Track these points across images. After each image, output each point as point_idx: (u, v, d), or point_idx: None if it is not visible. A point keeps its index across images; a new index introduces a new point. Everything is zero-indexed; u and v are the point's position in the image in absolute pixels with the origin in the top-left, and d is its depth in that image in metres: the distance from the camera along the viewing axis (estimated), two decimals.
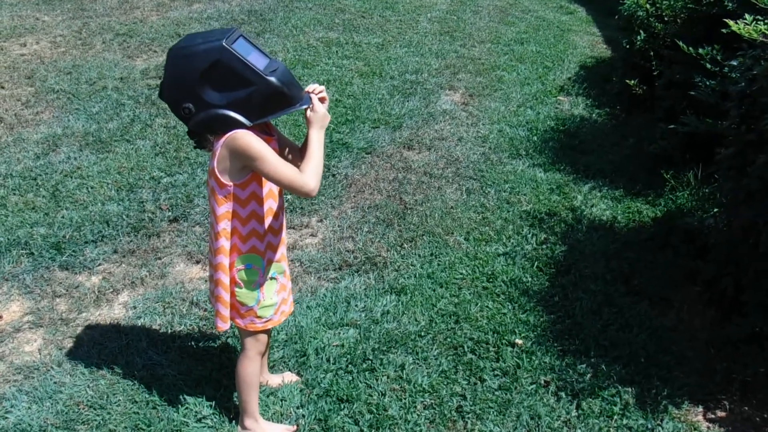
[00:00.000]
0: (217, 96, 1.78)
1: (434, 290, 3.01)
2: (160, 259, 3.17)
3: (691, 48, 3.18)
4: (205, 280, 3.04)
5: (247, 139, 1.79)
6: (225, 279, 1.97)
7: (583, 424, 2.35)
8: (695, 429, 2.37)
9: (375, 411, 2.36)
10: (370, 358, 2.60)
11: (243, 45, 1.81)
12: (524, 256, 3.26)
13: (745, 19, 2.39)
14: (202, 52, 1.75)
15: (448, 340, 2.72)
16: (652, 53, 4.50)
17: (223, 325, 2.03)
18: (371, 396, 2.42)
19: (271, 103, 1.81)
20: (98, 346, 2.62)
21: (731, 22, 2.38)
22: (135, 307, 2.85)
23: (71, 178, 3.77)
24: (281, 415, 2.34)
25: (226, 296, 1.99)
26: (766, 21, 2.38)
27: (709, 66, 3.08)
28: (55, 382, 2.43)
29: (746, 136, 2.45)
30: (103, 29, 6.24)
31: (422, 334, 2.75)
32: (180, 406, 2.33)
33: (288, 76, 1.84)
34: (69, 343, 2.65)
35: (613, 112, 4.96)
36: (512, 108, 4.96)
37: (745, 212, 2.49)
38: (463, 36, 6.52)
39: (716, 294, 2.91)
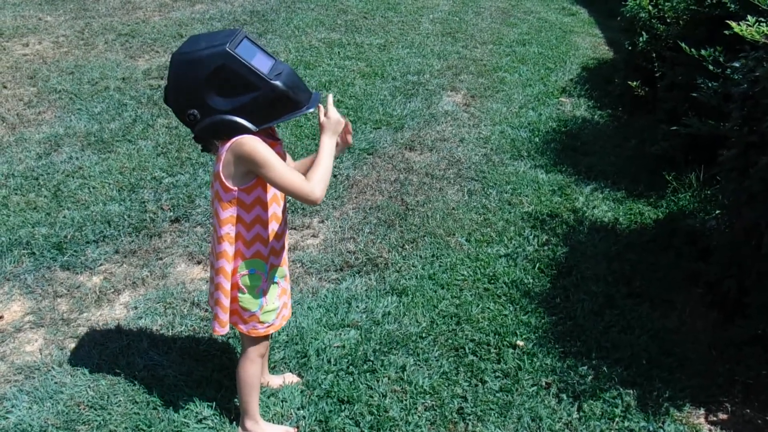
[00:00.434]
0: (222, 101, 1.77)
1: (435, 291, 3.00)
2: (161, 259, 3.17)
3: (693, 50, 3.18)
4: (206, 281, 3.04)
5: (253, 144, 1.78)
6: (225, 284, 1.96)
7: (584, 426, 2.35)
8: (697, 431, 2.36)
9: (376, 412, 2.36)
10: (371, 359, 2.59)
11: (247, 47, 1.79)
12: (526, 257, 3.26)
13: (748, 20, 2.38)
14: (205, 57, 1.73)
15: (450, 341, 2.72)
16: (654, 55, 4.49)
17: (221, 330, 2.02)
18: (372, 397, 2.42)
19: (276, 107, 1.80)
20: (99, 347, 2.62)
21: (733, 24, 2.37)
22: (136, 308, 2.85)
23: (73, 178, 3.77)
24: (282, 416, 2.33)
25: (225, 301, 1.98)
26: None
27: (711, 68, 3.07)
28: (55, 383, 2.43)
29: (748, 138, 2.44)
30: (105, 29, 6.25)
31: (423, 335, 2.74)
32: (181, 407, 2.33)
33: (293, 79, 1.82)
34: (70, 343, 2.64)
35: (615, 114, 4.95)
36: (514, 109, 4.95)
37: (747, 214, 2.48)
38: (465, 37, 6.52)
39: (718, 296, 2.90)
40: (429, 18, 7.07)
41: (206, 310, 2.84)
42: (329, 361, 2.57)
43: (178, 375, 2.47)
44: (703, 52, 3.11)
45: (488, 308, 2.91)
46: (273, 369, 2.53)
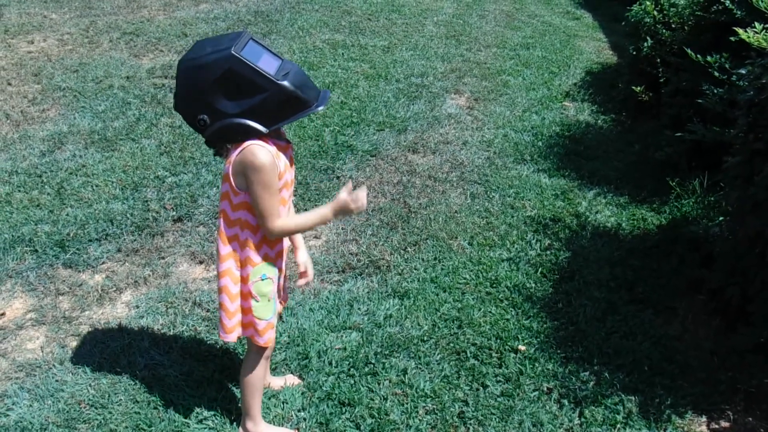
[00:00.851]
0: (231, 105, 1.76)
1: (437, 295, 3.00)
2: (163, 258, 3.16)
3: (699, 56, 3.17)
4: (208, 281, 3.04)
5: (264, 160, 1.78)
6: (232, 287, 1.95)
7: None
8: None
9: (377, 415, 2.35)
10: (373, 361, 2.59)
11: (253, 49, 1.78)
12: (528, 261, 3.25)
13: (755, 27, 2.37)
14: (211, 62, 1.73)
15: (451, 345, 2.71)
16: (658, 60, 4.49)
17: (226, 337, 2.01)
18: (373, 400, 2.41)
19: (285, 107, 1.79)
20: (100, 345, 2.62)
21: (740, 31, 2.37)
22: (138, 307, 2.85)
23: (76, 176, 3.77)
24: (283, 418, 2.33)
25: (229, 305, 1.97)
26: None
27: (717, 74, 3.07)
28: (56, 380, 2.43)
29: (754, 145, 2.44)
30: (110, 28, 6.25)
31: (425, 338, 2.74)
32: (181, 406, 2.33)
33: (301, 77, 1.82)
34: (71, 341, 2.64)
35: (619, 119, 4.95)
36: (517, 113, 4.95)
37: (751, 222, 2.48)
38: (469, 40, 6.52)
39: (721, 303, 2.89)
40: (433, 20, 7.07)
41: (208, 310, 2.83)
42: (330, 363, 2.57)
43: (179, 375, 2.47)
44: (709, 58, 3.11)
45: (490, 312, 2.90)
46: (274, 370, 2.52)
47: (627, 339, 2.78)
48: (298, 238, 2.17)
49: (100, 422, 2.26)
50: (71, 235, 3.26)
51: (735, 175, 2.66)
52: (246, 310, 2.00)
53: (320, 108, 1.84)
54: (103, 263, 3.11)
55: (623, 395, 2.49)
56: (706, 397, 2.52)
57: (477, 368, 2.59)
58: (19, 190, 3.62)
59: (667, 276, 3.18)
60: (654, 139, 4.37)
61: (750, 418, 2.47)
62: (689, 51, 3.28)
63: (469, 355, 2.66)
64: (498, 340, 2.74)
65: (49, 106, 4.63)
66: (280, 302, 2.19)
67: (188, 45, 5.88)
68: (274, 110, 1.78)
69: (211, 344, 2.64)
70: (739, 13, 3.21)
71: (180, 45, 5.86)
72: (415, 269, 3.17)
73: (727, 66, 3.02)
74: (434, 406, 2.42)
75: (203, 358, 2.56)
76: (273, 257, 1.97)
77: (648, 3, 4.57)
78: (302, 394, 2.43)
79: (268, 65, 1.77)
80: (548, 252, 3.33)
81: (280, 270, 2.04)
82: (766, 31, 2.39)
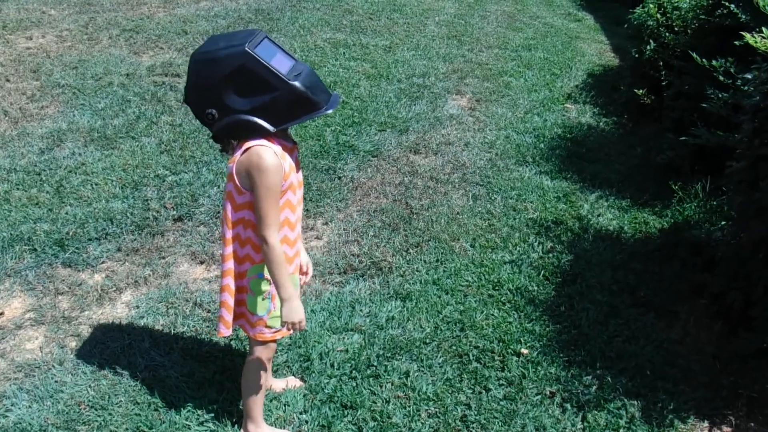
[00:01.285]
0: (241, 101, 1.76)
1: (440, 297, 2.99)
2: (164, 258, 3.14)
3: (704, 60, 3.16)
4: (209, 281, 3.02)
5: (269, 163, 1.76)
6: (232, 285, 1.94)
7: None
8: None
9: (379, 418, 2.34)
10: (375, 364, 2.57)
11: (267, 47, 1.78)
12: (530, 264, 3.24)
13: (762, 32, 2.37)
14: (225, 57, 1.73)
15: (453, 347, 2.70)
16: (661, 63, 4.49)
17: (225, 331, 2.00)
18: (375, 403, 2.40)
19: (295, 108, 1.79)
20: (100, 346, 2.60)
21: (747, 35, 2.36)
22: (138, 307, 2.83)
23: (75, 174, 3.75)
24: (284, 420, 2.31)
25: (230, 301, 1.96)
26: None
27: (722, 78, 3.06)
28: (56, 381, 2.41)
29: (759, 151, 2.43)
30: (109, 24, 6.22)
31: (427, 341, 2.72)
32: (182, 408, 2.31)
33: (313, 79, 1.81)
34: (71, 342, 2.62)
35: (621, 121, 4.94)
36: (519, 114, 4.94)
37: (756, 227, 2.47)
38: (471, 40, 6.50)
39: (723, 307, 2.89)
40: (434, 20, 7.06)
41: (209, 311, 2.81)
42: (332, 366, 2.55)
43: (179, 376, 2.45)
44: (714, 62, 3.10)
45: (493, 315, 2.89)
46: (276, 372, 2.51)
47: (629, 343, 2.77)
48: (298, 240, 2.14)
49: (100, 424, 2.24)
50: (70, 234, 3.23)
51: (739, 179, 2.65)
52: (240, 302, 2.00)
53: (329, 111, 1.83)
54: (103, 263, 3.09)
55: (626, 399, 2.48)
56: (708, 402, 2.52)
57: (479, 371, 2.58)
58: (18, 188, 3.60)
59: (669, 280, 3.17)
60: (656, 143, 4.37)
61: (752, 423, 2.46)
62: (694, 55, 3.27)
63: (471, 358, 2.65)
64: (500, 343, 2.73)
65: (48, 103, 4.60)
66: None
67: (188, 42, 5.85)
68: (283, 110, 1.77)
69: (212, 345, 2.62)
70: (743, 17, 3.20)
71: (180, 42, 5.84)
72: (417, 271, 3.15)
73: (732, 70, 3.01)
74: (437, 410, 2.40)
75: (204, 359, 2.55)
76: None
77: (651, 6, 4.56)
78: (304, 396, 2.41)
79: (280, 64, 1.76)
80: (550, 255, 3.32)
81: (294, 282, 2.03)
82: None
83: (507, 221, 3.60)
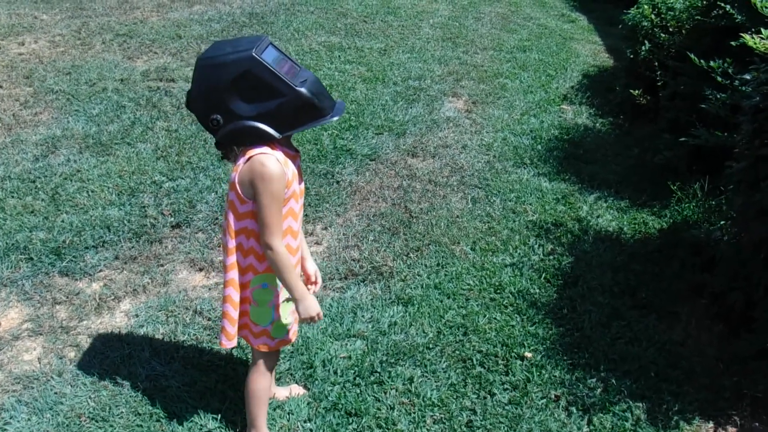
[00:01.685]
0: (246, 107, 1.74)
1: (441, 301, 2.97)
2: (162, 266, 3.11)
3: (702, 61, 3.17)
4: (209, 288, 2.99)
5: (272, 171, 1.75)
6: (235, 295, 1.92)
7: None
8: None
9: (384, 425, 2.32)
10: (378, 370, 2.56)
11: (272, 53, 1.76)
12: (531, 267, 3.23)
13: (761, 33, 2.37)
14: (230, 62, 1.71)
15: (457, 352, 2.69)
16: (656, 63, 4.50)
17: (228, 343, 1.97)
18: (380, 410, 2.38)
19: (300, 114, 1.77)
20: (100, 356, 2.57)
21: (746, 37, 2.36)
22: (137, 316, 2.80)
23: (71, 181, 3.71)
24: (289, 429, 2.29)
25: (233, 313, 1.94)
26: None
27: (720, 79, 3.06)
28: (55, 393, 2.38)
29: (759, 151, 2.43)
30: (102, 29, 6.18)
31: (430, 346, 2.71)
32: (185, 419, 2.28)
33: (318, 86, 1.80)
34: (69, 352, 2.59)
35: (617, 122, 4.95)
36: (516, 116, 4.94)
37: (756, 227, 2.47)
38: (466, 42, 6.50)
39: (724, 308, 2.89)
40: (429, 23, 7.05)
41: (209, 319, 2.79)
42: (335, 373, 2.53)
43: (181, 386, 2.42)
44: (712, 63, 3.10)
45: (495, 319, 2.88)
46: (279, 380, 2.49)
47: (632, 345, 2.77)
48: (304, 248, 2.13)
49: None
50: (67, 242, 3.20)
51: (739, 180, 2.65)
52: (243, 314, 1.98)
53: (335, 118, 1.82)
54: (101, 271, 3.05)
55: (631, 402, 2.48)
56: (712, 403, 2.52)
57: (484, 376, 2.57)
58: (13, 196, 3.55)
59: (669, 280, 3.18)
60: (652, 143, 4.37)
61: (757, 424, 2.46)
62: (692, 56, 3.27)
63: (475, 362, 2.64)
64: (504, 347, 2.72)
65: (42, 110, 4.56)
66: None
67: (183, 47, 5.82)
68: (289, 116, 1.76)
69: (213, 354, 2.60)
70: (739, 17, 3.21)
71: (174, 47, 5.80)
72: (419, 275, 3.14)
73: (730, 71, 3.02)
74: (442, 416, 2.39)
75: (206, 368, 2.52)
76: None
77: (646, 7, 4.57)
78: (308, 404, 2.39)
79: (286, 70, 1.74)
80: (551, 257, 3.32)
81: None
82: None
83: (507, 224, 3.59)
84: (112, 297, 2.90)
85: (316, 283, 2.13)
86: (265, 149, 1.78)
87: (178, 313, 2.81)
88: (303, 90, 1.74)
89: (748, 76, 2.61)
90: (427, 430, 2.33)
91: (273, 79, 1.71)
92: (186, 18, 6.64)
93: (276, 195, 1.78)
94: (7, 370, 2.50)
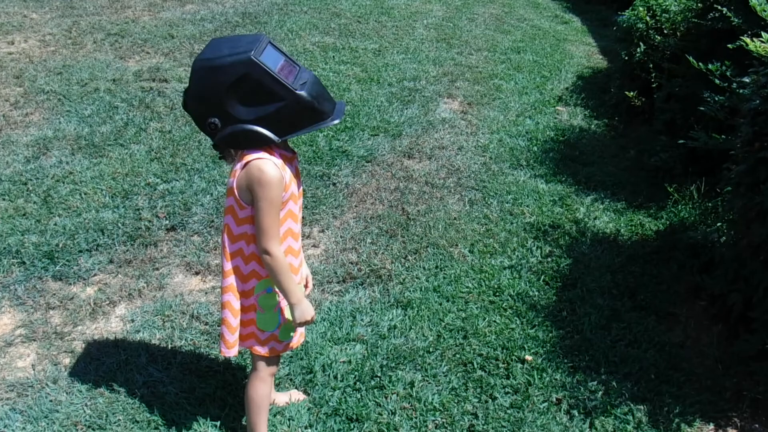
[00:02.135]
0: (245, 111, 1.70)
1: (441, 304, 2.95)
2: (157, 269, 3.07)
3: (701, 63, 3.17)
4: (206, 292, 2.95)
5: (270, 176, 1.72)
6: (235, 302, 1.89)
7: None
8: None
9: (386, 430, 2.30)
10: (379, 375, 2.53)
11: (271, 54, 1.72)
12: (530, 269, 3.22)
13: (762, 37, 2.37)
14: (228, 65, 1.66)
15: (457, 356, 2.67)
16: (651, 65, 4.51)
17: (227, 351, 1.94)
18: (381, 415, 2.36)
19: (300, 118, 1.74)
20: (95, 362, 2.52)
21: (747, 40, 2.36)
22: (133, 321, 2.75)
23: (63, 183, 3.66)
24: None
25: (233, 321, 1.91)
26: None
27: (718, 82, 3.07)
28: (50, 401, 2.33)
29: (759, 154, 2.43)
30: (93, 28, 6.11)
31: (430, 350, 2.69)
32: (184, 426, 2.25)
33: (318, 88, 1.76)
34: (64, 359, 2.54)
35: (612, 123, 4.96)
36: (511, 117, 4.93)
37: (757, 230, 2.47)
38: (460, 43, 6.49)
39: (722, 309, 2.89)
40: (423, 23, 7.04)
41: (206, 324, 2.75)
42: (336, 377, 2.51)
43: (179, 392, 2.39)
44: (710, 66, 3.11)
45: (495, 321, 2.86)
46: (278, 386, 2.46)
47: (632, 347, 2.76)
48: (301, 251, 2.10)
49: None
50: (60, 245, 3.15)
51: (738, 183, 2.65)
52: (248, 323, 1.94)
53: (336, 121, 1.79)
54: (95, 275, 3.01)
55: (632, 404, 2.47)
56: (713, 405, 2.52)
57: (485, 380, 2.55)
58: (4, 199, 3.50)
59: (668, 282, 3.18)
60: (648, 145, 4.38)
61: (757, 425, 2.46)
62: (691, 59, 3.27)
63: (475, 366, 2.62)
64: (504, 351, 2.70)
65: (33, 110, 4.49)
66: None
67: (175, 47, 5.77)
68: (288, 120, 1.72)
69: (211, 359, 2.56)
70: (736, 20, 3.22)
71: (167, 47, 5.75)
72: (417, 278, 3.12)
73: (728, 74, 3.02)
74: (444, 420, 2.37)
75: (204, 374, 2.48)
76: None
77: (641, 9, 4.58)
78: (308, 409, 2.36)
79: (286, 73, 1.71)
80: (549, 259, 3.31)
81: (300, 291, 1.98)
82: None
83: (504, 226, 3.58)
84: (107, 301, 2.85)
85: (307, 286, 2.11)
86: (263, 154, 1.75)
87: (175, 318, 2.77)
88: (303, 93, 1.70)
89: (747, 79, 2.61)
90: None
91: (272, 82, 1.67)
92: (178, 17, 6.58)
93: (274, 200, 1.75)
94: (0, 377, 2.45)
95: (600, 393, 2.52)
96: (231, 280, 1.89)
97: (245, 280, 1.88)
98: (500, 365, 2.63)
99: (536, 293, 3.05)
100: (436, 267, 3.21)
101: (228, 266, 1.87)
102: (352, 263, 3.20)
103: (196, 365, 2.52)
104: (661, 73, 4.39)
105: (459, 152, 4.38)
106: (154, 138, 4.20)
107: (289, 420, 2.31)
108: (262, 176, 1.72)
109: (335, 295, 2.99)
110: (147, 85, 4.98)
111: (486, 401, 2.46)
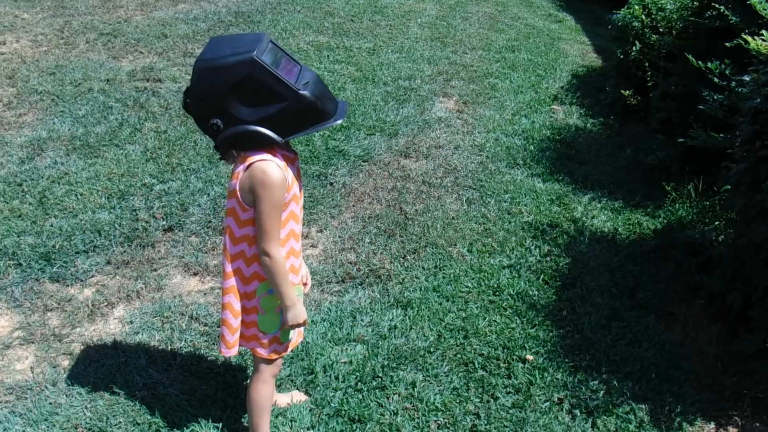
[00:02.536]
0: (248, 111, 1.68)
1: (441, 304, 2.95)
2: (155, 270, 3.05)
3: (700, 62, 3.18)
4: (205, 293, 2.93)
5: (274, 178, 1.71)
6: (236, 303, 1.87)
7: None
8: None
9: (388, 431, 2.29)
10: (380, 375, 2.53)
11: (273, 54, 1.70)
12: (529, 268, 3.23)
13: (762, 35, 2.38)
14: (231, 65, 1.64)
15: (458, 356, 2.67)
16: (647, 64, 4.52)
17: (227, 351, 1.93)
18: (383, 415, 2.35)
19: (303, 118, 1.72)
20: (95, 364, 2.50)
21: (749, 39, 2.37)
22: (131, 322, 2.73)
23: (59, 184, 3.62)
24: None
25: (233, 321, 1.90)
26: None
27: (717, 80, 3.08)
28: (50, 403, 2.31)
29: (760, 153, 2.44)
30: (86, 28, 6.05)
31: (431, 349, 2.68)
32: (185, 428, 2.23)
33: (320, 87, 1.75)
34: (63, 361, 2.52)
35: (607, 122, 4.97)
36: (507, 116, 4.93)
37: (758, 228, 2.48)
38: (454, 42, 6.49)
39: (721, 308, 2.91)
40: (417, 22, 7.03)
41: (206, 324, 2.73)
42: (337, 378, 2.50)
43: (180, 394, 2.37)
44: (710, 64, 3.12)
45: (495, 321, 2.86)
46: (279, 387, 2.44)
47: (632, 346, 2.77)
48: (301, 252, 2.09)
49: None
50: (57, 247, 3.12)
51: (738, 181, 2.66)
52: (249, 324, 1.93)
53: (339, 121, 1.78)
54: (93, 276, 2.98)
55: (633, 404, 2.48)
56: (713, 404, 2.53)
57: (486, 379, 2.55)
58: None
59: (666, 281, 3.19)
60: (644, 143, 4.39)
61: (757, 424, 2.48)
62: (690, 57, 3.28)
63: (477, 366, 2.62)
64: (505, 350, 2.70)
65: (26, 111, 4.45)
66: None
67: (169, 46, 5.73)
68: (291, 120, 1.71)
69: (211, 360, 2.55)
70: (734, 18, 3.23)
71: (160, 46, 5.71)
72: (416, 278, 3.11)
73: (727, 72, 3.03)
74: (446, 420, 2.37)
75: (204, 375, 2.47)
76: None
77: (636, 7, 4.59)
78: (310, 410, 2.35)
79: (287, 72, 1.69)
80: (548, 258, 3.31)
81: (299, 293, 1.97)
82: None
83: (502, 225, 3.58)
84: (105, 303, 2.83)
85: (306, 284, 2.10)
86: (265, 155, 1.73)
87: (174, 319, 2.75)
88: (306, 93, 1.69)
89: (746, 78, 2.62)
90: None
91: (275, 82, 1.66)
92: (171, 17, 6.54)
93: (276, 202, 1.74)
94: None
95: (601, 392, 2.52)
96: (232, 281, 1.87)
97: (247, 282, 1.86)
98: (501, 365, 2.63)
99: (536, 292, 3.06)
100: (435, 267, 3.20)
101: (229, 268, 1.86)
102: (350, 263, 3.19)
103: (196, 366, 2.50)
104: (657, 71, 4.40)
105: (455, 151, 4.37)
106: (150, 138, 4.17)
107: (291, 421, 2.30)
108: (265, 178, 1.71)
109: (335, 296, 2.97)
110: (141, 84, 4.94)
111: (488, 401, 2.46)
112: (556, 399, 2.49)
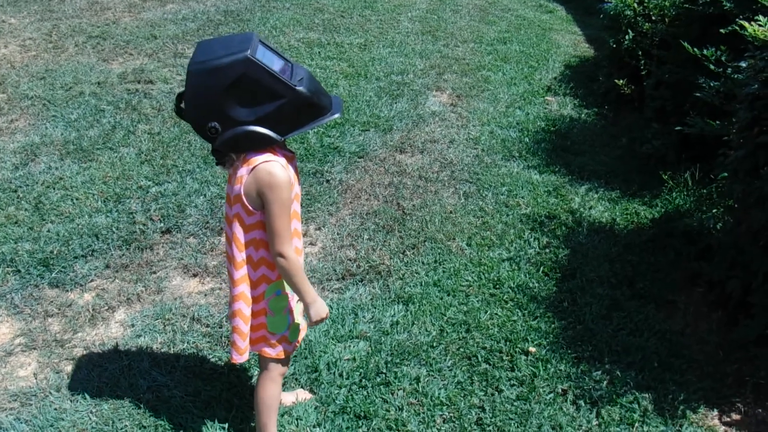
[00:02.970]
0: (245, 112, 1.66)
1: (442, 298, 2.95)
2: (155, 273, 3.03)
3: (695, 49, 3.18)
4: (205, 294, 2.92)
5: (280, 178, 1.70)
6: (246, 310, 1.86)
7: None
8: None
9: (394, 427, 2.29)
10: (384, 371, 2.53)
11: (264, 52, 1.68)
12: (528, 260, 3.23)
13: (759, 21, 2.38)
14: (225, 65, 1.61)
15: (461, 350, 2.67)
16: (640, 52, 4.52)
17: (238, 358, 1.92)
18: (389, 411, 2.35)
19: (301, 115, 1.71)
20: (98, 369, 2.49)
21: (747, 24, 2.37)
22: (133, 325, 2.72)
23: (54, 189, 3.60)
24: None
25: (244, 328, 1.89)
26: None
27: (712, 67, 3.09)
28: (55, 409, 2.30)
29: (758, 139, 2.45)
30: (74, 31, 6.00)
31: (434, 344, 2.69)
32: (191, 429, 2.23)
33: (314, 83, 1.74)
34: (66, 366, 2.51)
35: (601, 112, 4.98)
36: (501, 109, 4.93)
37: (757, 215, 2.49)
38: (446, 35, 6.48)
39: (721, 296, 2.92)
40: (407, 16, 7.01)
41: (208, 326, 2.73)
42: (341, 375, 2.50)
43: (185, 396, 2.36)
44: (705, 51, 3.12)
45: (496, 314, 2.87)
46: (284, 385, 2.43)
47: (634, 336, 2.78)
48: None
49: None
50: (55, 252, 3.10)
51: (736, 168, 2.67)
52: (258, 327, 1.92)
53: (336, 115, 1.77)
54: (92, 281, 2.97)
55: (637, 393, 2.49)
56: (716, 391, 2.54)
57: (490, 372, 2.56)
58: None
59: (665, 270, 3.20)
60: (639, 132, 4.40)
61: (760, 410, 2.49)
62: (686, 44, 3.28)
63: (480, 359, 2.62)
64: (507, 343, 2.71)
65: (18, 116, 4.41)
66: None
67: (159, 47, 5.69)
68: (289, 118, 1.70)
69: (215, 361, 2.54)
70: (728, 5, 3.23)
71: (150, 48, 5.67)
72: (417, 273, 3.11)
73: (723, 59, 3.04)
74: (451, 414, 2.37)
75: (209, 376, 2.46)
76: None
77: None
78: (315, 408, 2.35)
79: (281, 69, 1.68)
80: (547, 250, 3.32)
81: None
82: None
83: (500, 218, 3.58)
84: (106, 307, 2.81)
85: None
86: (268, 156, 1.72)
87: (176, 321, 2.74)
88: (302, 89, 1.67)
89: (743, 64, 2.62)
90: (438, 429, 2.31)
91: (271, 80, 1.64)
92: (160, 17, 6.49)
93: (285, 202, 1.73)
94: (2, 387, 2.41)
95: (605, 382, 2.54)
96: (242, 288, 1.85)
97: (255, 285, 1.85)
98: (504, 358, 2.64)
99: (536, 284, 3.06)
100: (435, 261, 3.20)
101: (237, 275, 1.84)
102: (350, 260, 3.18)
103: (199, 368, 2.50)
104: (650, 60, 4.41)
105: (451, 145, 4.37)
106: (143, 140, 4.14)
107: (297, 419, 2.30)
108: (272, 179, 1.70)
109: (335, 293, 2.97)
110: (132, 87, 4.91)
111: (492, 394, 2.47)
112: (560, 390, 2.50)
